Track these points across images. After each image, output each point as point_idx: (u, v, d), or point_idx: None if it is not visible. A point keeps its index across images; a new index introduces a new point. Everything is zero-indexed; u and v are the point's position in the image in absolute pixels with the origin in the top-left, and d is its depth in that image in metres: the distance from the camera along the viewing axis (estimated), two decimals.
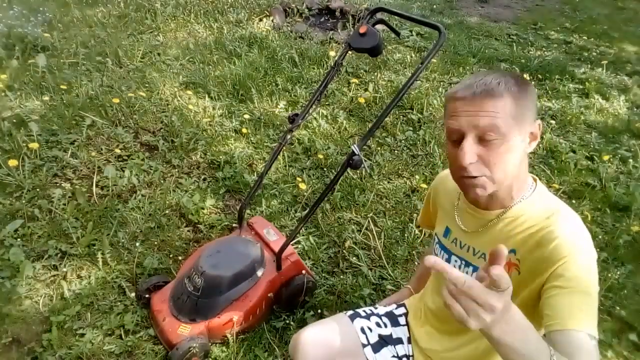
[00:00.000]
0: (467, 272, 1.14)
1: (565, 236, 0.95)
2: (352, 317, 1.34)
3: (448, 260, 1.21)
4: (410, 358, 1.33)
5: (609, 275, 2.06)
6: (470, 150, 0.95)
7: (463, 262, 1.16)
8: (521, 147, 0.99)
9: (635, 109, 3.70)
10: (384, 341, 1.32)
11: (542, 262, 0.97)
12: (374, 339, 1.31)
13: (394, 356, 1.31)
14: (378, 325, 1.35)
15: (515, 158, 0.98)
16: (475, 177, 0.98)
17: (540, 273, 0.97)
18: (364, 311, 1.38)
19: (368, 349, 1.28)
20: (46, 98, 3.00)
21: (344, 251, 2.18)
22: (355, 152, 1.35)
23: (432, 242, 1.32)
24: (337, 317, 1.36)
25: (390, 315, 1.40)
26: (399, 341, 1.34)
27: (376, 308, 1.42)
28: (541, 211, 1.02)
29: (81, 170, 2.50)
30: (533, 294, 1.00)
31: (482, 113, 0.94)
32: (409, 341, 1.35)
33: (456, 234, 1.18)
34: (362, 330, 1.31)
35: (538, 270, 0.98)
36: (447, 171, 1.30)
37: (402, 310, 1.43)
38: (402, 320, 1.40)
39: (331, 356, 1.24)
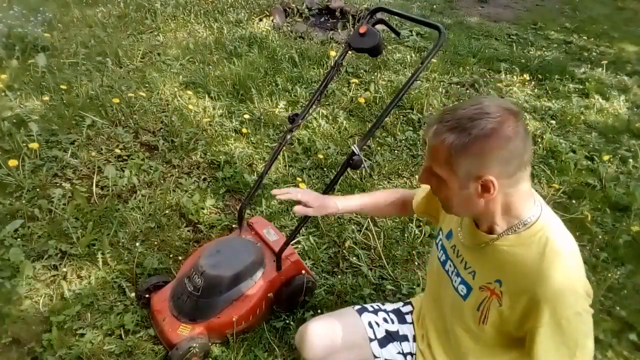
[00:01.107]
0: (455, 281, 1.15)
1: (553, 300, 0.93)
2: (360, 312, 1.35)
3: (445, 262, 1.21)
4: (414, 356, 1.33)
5: (609, 275, 2.06)
6: (423, 174, 1.04)
7: (455, 270, 1.16)
8: (466, 194, 0.96)
9: (635, 109, 3.70)
10: (391, 337, 1.33)
11: (523, 310, 0.97)
12: (381, 334, 1.32)
13: (399, 352, 1.32)
14: (385, 321, 1.36)
15: (461, 201, 1.00)
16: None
17: (520, 321, 0.99)
18: (372, 306, 1.39)
19: (374, 344, 1.29)
20: (46, 98, 3.00)
21: (344, 251, 2.18)
22: (355, 152, 1.35)
23: (436, 235, 1.31)
24: (344, 311, 1.37)
25: (398, 312, 1.41)
26: (405, 338, 1.35)
27: (383, 304, 1.43)
28: (533, 250, 0.97)
29: (81, 170, 2.50)
30: (511, 327, 1.02)
31: (429, 153, 1.01)
32: (414, 339, 1.36)
33: (456, 241, 1.18)
34: (370, 324, 1.32)
35: (518, 315, 0.99)
36: None
37: (409, 308, 1.44)
38: (409, 318, 1.41)
39: (337, 348, 1.25)
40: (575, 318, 0.93)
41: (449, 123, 0.93)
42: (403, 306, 1.45)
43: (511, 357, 1.12)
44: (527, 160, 0.96)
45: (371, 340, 1.30)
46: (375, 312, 1.37)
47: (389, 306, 1.43)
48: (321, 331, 1.25)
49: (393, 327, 1.35)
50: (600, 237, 2.36)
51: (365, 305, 1.39)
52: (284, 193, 1.32)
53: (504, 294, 1.01)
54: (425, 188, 1.36)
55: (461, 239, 1.15)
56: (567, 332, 0.93)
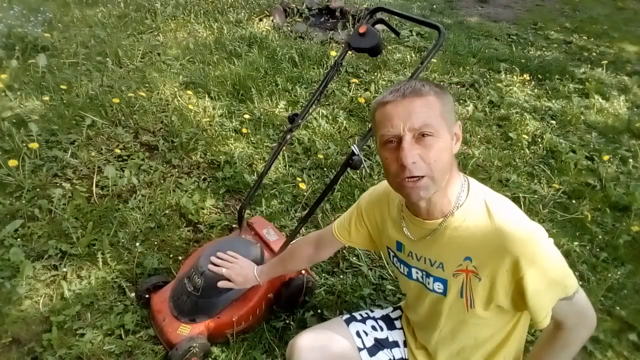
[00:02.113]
0: (428, 283, 1.15)
1: (522, 248, 0.96)
2: (348, 321, 1.35)
3: (410, 273, 1.21)
4: None
5: (609, 275, 2.06)
6: (410, 149, 0.97)
7: (424, 273, 1.16)
8: (451, 146, 1.02)
9: (635, 109, 3.70)
10: (380, 345, 1.33)
11: (499, 265, 0.99)
12: (369, 342, 1.32)
13: (390, 359, 1.32)
14: (374, 328, 1.36)
15: (449, 156, 1.01)
16: (417, 178, 0.97)
17: (501, 277, 0.99)
18: (360, 315, 1.39)
19: (364, 353, 1.29)
20: (46, 98, 3.00)
21: (344, 251, 2.18)
22: (355, 152, 1.35)
23: (386, 257, 1.30)
24: (333, 322, 1.37)
25: (387, 319, 1.41)
26: (395, 344, 1.35)
27: (372, 311, 1.42)
28: (481, 214, 1.03)
29: (81, 170, 2.50)
30: (501, 296, 1.02)
31: (414, 113, 0.97)
32: (405, 344, 1.36)
33: (409, 247, 1.18)
34: (358, 334, 1.32)
35: (502, 279, 1.00)
36: (377, 189, 1.30)
37: (398, 313, 1.44)
38: (398, 323, 1.41)
39: None
40: (548, 251, 0.98)
41: (415, 84, 1.01)
42: (392, 312, 1.44)
43: (502, 335, 1.14)
44: None
45: (360, 349, 1.29)
46: (364, 320, 1.37)
47: (378, 313, 1.43)
48: (310, 344, 1.25)
49: (382, 335, 1.35)
50: (600, 237, 2.36)
51: (354, 314, 1.39)
52: (218, 267, 1.60)
53: (478, 267, 1.03)
54: (344, 219, 1.38)
55: (413, 238, 1.15)
56: (549, 268, 0.98)
